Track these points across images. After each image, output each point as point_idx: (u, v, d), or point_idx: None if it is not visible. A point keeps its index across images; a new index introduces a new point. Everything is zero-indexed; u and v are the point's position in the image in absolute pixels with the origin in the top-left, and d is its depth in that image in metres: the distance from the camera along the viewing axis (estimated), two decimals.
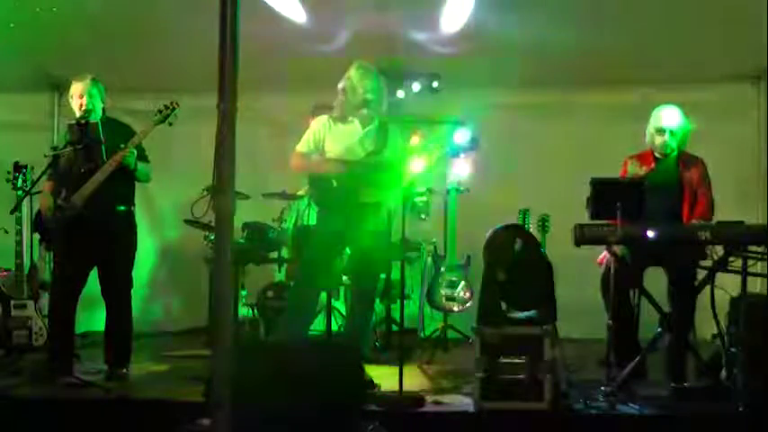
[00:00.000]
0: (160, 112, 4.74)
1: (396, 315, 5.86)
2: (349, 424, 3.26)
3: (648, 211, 4.11)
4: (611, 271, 4.15)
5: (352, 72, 4.49)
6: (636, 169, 4.68)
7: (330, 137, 4.52)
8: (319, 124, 4.58)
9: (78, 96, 4.69)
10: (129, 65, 5.91)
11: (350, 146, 4.49)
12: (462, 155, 4.68)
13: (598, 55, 5.70)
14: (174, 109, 4.73)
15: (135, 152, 4.64)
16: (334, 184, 4.44)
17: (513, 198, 6.06)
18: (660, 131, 4.62)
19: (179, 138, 5.80)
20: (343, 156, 4.48)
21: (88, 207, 4.58)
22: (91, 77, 4.72)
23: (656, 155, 4.68)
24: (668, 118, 4.62)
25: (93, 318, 5.47)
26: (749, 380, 3.88)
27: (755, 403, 3.80)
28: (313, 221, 6.27)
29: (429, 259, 6.17)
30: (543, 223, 5.90)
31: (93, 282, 4.78)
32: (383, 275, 5.02)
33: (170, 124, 4.76)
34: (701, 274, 4.29)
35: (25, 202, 5.44)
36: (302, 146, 4.58)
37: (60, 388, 4.43)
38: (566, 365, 4.36)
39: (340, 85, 4.52)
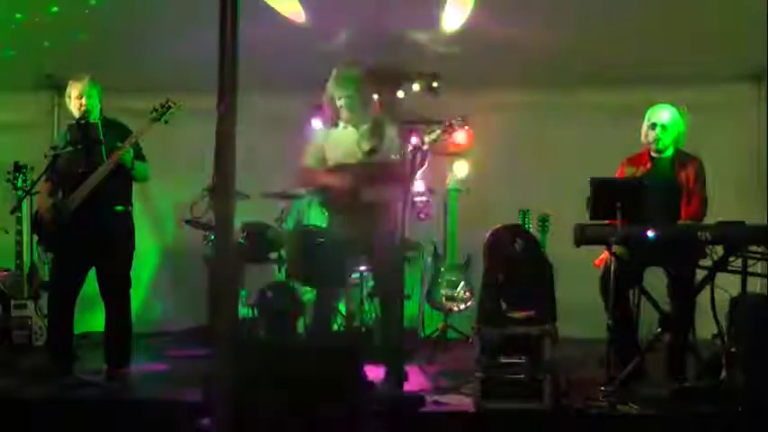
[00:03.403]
0: (156, 110, 4.73)
1: None
2: (349, 424, 3.26)
3: (646, 211, 4.11)
4: (611, 271, 4.15)
5: (329, 82, 4.57)
6: (632, 172, 4.68)
7: (327, 146, 4.61)
8: (316, 136, 4.71)
9: (77, 97, 4.69)
10: (129, 65, 5.91)
11: (348, 150, 4.53)
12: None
13: (598, 55, 5.70)
14: (169, 107, 4.73)
15: (131, 150, 4.64)
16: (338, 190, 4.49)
17: (513, 198, 6.06)
18: (651, 126, 4.63)
19: (179, 138, 5.81)
20: (343, 160, 4.53)
21: (85, 207, 4.58)
22: (89, 78, 4.72)
23: (652, 154, 4.68)
24: (659, 113, 4.63)
25: (93, 318, 5.46)
26: (749, 380, 3.88)
27: (755, 403, 3.80)
28: (312, 221, 6.29)
29: (429, 259, 6.17)
30: (543, 223, 5.90)
31: (93, 282, 4.79)
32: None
33: (166, 122, 4.75)
34: (701, 274, 4.28)
35: (25, 202, 5.44)
36: (307, 160, 4.68)
37: (60, 388, 4.43)
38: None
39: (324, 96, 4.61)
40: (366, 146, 4.51)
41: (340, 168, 4.52)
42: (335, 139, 4.61)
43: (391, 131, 4.61)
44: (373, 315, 5.96)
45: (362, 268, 5.55)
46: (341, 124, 4.60)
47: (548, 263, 4.58)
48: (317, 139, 4.70)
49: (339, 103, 4.53)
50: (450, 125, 4.54)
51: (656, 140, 4.61)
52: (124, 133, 4.73)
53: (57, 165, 4.70)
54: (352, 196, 4.44)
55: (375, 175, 4.45)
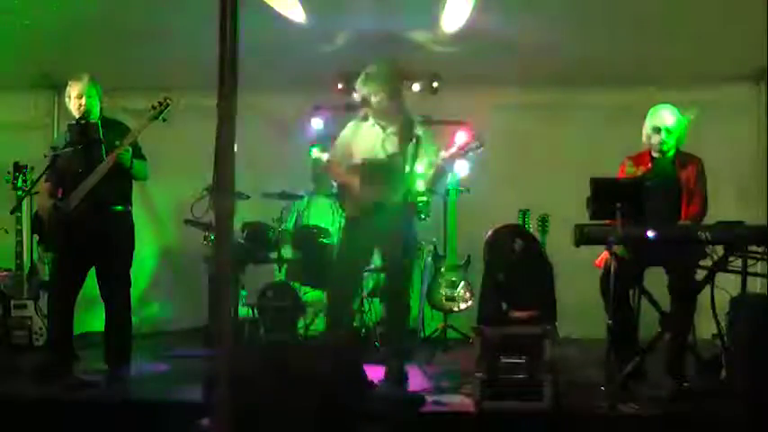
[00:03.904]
0: (154, 108, 4.72)
1: None
2: (349, 424, 3.26)
3: (647, 211, 4.11)
4: (612, 271, 4.14)
5: (359, 79, 4.60)
6: (633, 171, 4.68)
7: (355, 140, 4.65)
8: (347, 129, 4.73)
9: (77, 97, 4.68)
10: (129, 64, 5.90)
11: (372, 147, 4.57)
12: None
13: (598, 55, 5.70)
14: (167, 105, 4.72)
15: (130, 150, 4.63)
16: (354, 191, 4.55)
17: (513, 198, 6.06)
18: (656, 130, 4.63)
19: (179, 137, 5.81)
20: (366, 157, 4.57)
21: (85, 207, 4.58)
22: (89, 77, 4.71)
23: (654, 154, 4.69)
24: (664, 117, 4.63)
25: (92, 318, 5.46)
26: (749, 380, 3.88)
27: (755, 403, 3.80)
28: (312, 221, 6.29)
29: (429, 259, 6.17)
30: (543, 223, 5.90)
31: (93, 282, 4.78)
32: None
33: (164, 120, 4.74)
34: (701, 274, 4.28)
35: (25, 202, 5.44)
36: (332, 152, 4.77)
37: (60, 388, 4.43)
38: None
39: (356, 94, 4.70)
40: (390, 148, 4.52)
41: (361, 168, 4.55)
42: (363, 134, 4.64)
43: (428, 137, 4.58)
44: (373, 315, 5.96)
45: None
46: (371, 120, 4.63)
47: (548, 263, 4.58)
48: (346, 132, 4.72)
49: (361, 97, 4.57)
50: (466, 147, 4.54)
51: (661, 143, 4.61)
52: (123, 133, 4.72)
53: (56, 165, 4.70)
54: (369, 197, 4.47)
55: (394, 177, 4.46)
